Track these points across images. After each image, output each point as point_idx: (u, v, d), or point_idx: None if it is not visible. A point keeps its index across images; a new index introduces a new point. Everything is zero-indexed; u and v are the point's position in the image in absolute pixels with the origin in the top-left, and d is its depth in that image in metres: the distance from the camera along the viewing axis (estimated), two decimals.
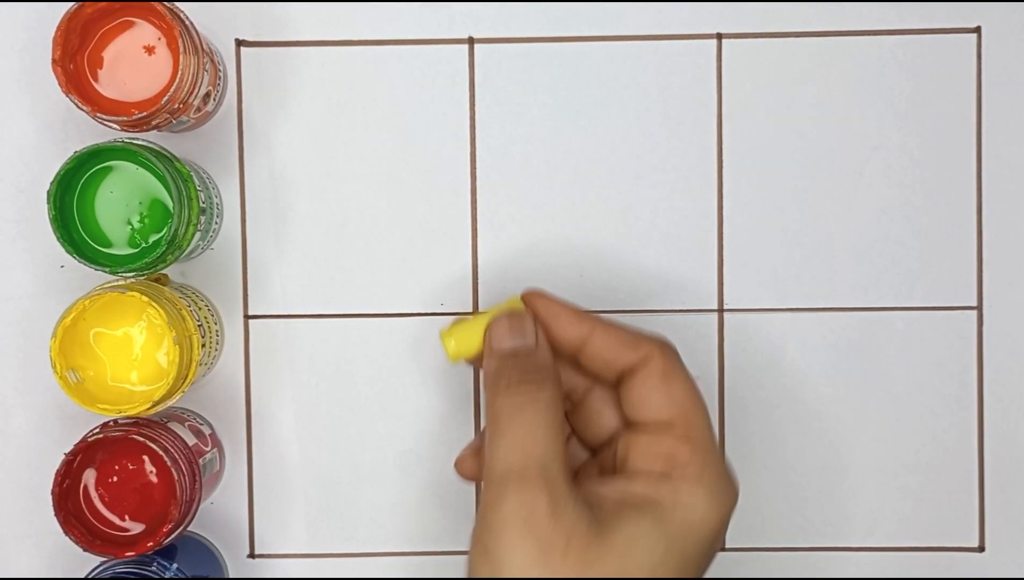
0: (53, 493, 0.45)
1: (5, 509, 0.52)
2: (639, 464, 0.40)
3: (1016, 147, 0.51)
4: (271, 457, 0.52)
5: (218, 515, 0.52)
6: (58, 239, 0.45)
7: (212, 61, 0.48)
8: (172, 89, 0.45)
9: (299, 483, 0.52)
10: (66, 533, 0.45)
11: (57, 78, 0.44)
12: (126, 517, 0.47)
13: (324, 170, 0.51)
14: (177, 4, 0.46)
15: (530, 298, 0.43)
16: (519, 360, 0.41)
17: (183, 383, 0.46)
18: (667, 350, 0.41)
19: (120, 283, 0.47)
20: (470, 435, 0.52)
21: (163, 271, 0.49)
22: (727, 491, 0.40)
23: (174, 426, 0.48)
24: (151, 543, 0.45)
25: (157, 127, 0.47)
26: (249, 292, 0.52)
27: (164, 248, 0.45)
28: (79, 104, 0.45)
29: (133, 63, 0.46)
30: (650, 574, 0.37)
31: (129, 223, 0.46)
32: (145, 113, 0.45)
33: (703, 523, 0.39)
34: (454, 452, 0.44)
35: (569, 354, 0.42)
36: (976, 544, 0.52)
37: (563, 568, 0.37)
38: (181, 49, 0.45)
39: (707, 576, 0.52)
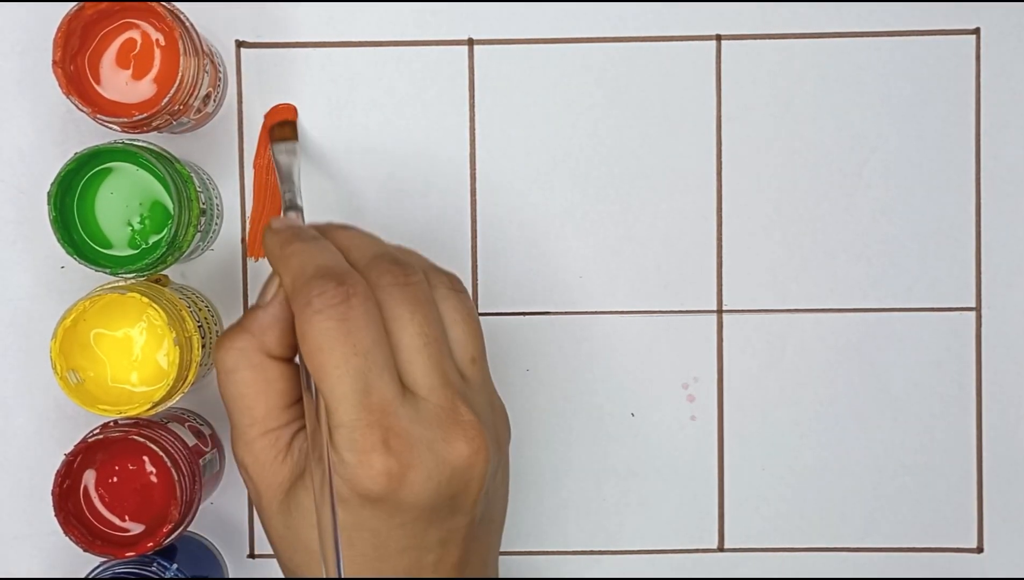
0: (53, 493, 0.45)
1: (5, 509, 0.52)
2: None
3: (1015, 148, 0.51)
4: None
5: (218, 515, 0.52)
6: (58, 240, 0.45)
7: (212, 62, 0.48)
8: (172, 90, 0.45)
9: None
10: (66, 533, 0.45)
11: (57, 79, 0.45)
12: (126, 517, 0.47)
13: (324, 171, 0.51)
14: (177, 5, 0.46)
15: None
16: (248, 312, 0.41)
17: (183, 384, 0.46)
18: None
19: (120, 284, 0.47)
20: None
21: (163, 272, 0.49)
22: None
23: (174, 427, 0.48)
24: (151, 543, 0.45)
25: (157, 128, 0.47)
26: (249, 293, 0.52)
27: (164, 249, 0.45)
28: (79, 105, 0.45)
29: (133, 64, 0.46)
30: None
31: (129, 224, 0.47)
32: (145, 114, 0.45)
33: None
34: None
35: None
36: (975, 545, 0.52)
37: None
38: (181, 50, 0.45)
39: (706, 576, 0.52)
